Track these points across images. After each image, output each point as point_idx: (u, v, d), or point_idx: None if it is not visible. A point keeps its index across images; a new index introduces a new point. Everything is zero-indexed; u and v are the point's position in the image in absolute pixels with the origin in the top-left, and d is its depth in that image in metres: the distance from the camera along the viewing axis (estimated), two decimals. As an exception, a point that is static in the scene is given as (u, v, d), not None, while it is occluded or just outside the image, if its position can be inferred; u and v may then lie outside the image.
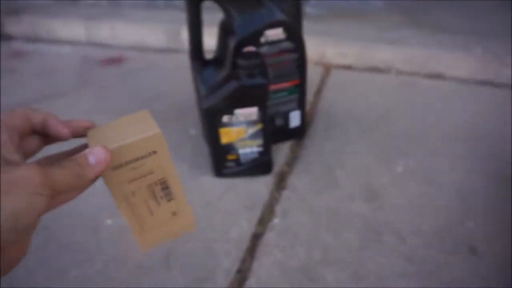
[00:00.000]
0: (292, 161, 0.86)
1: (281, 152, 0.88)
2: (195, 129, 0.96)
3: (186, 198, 0.37)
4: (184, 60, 1.38)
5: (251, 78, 0.66)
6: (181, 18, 1.48)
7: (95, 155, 0.27)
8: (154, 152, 0.34)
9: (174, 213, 0.38)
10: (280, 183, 0.80)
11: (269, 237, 0.69)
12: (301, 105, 0.85)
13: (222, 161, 0.77)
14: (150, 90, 1.16)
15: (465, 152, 0.85)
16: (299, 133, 0.91)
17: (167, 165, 0.35)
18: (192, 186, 0.80)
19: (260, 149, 0.76)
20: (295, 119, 0.87)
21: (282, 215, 0.73)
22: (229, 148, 0.75)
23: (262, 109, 0.70)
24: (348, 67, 1.23)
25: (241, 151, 0.76)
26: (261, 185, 0.79)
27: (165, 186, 0.36)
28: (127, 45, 1.46)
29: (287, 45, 0.74)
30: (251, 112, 0.70)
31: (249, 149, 0.76)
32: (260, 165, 0.79)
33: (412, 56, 1.16)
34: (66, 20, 1.52)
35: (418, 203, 0.74)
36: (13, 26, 1.60)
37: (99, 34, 1.49)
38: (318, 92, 1.11)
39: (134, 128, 0.33)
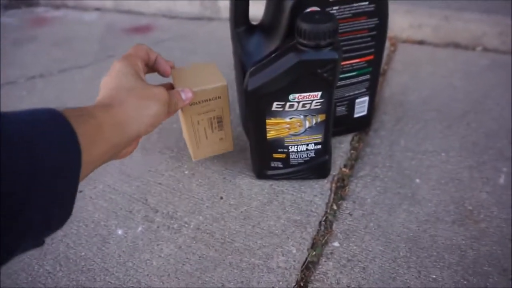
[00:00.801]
0: (353, 162, 0.66)
1: (339, 148, 0.68)
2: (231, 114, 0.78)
3: (232, 130, 0.59)
4: (220, 30, 1.19)
5: (317, 50, 0.46)
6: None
7: (185, 94, 0.44)
8: (219, 97, 0.54)
9: (221, 139, 0.59)
10: (339, 192, 0.62)
11: (327, 268, 0.51)
12: (371, 90, 0.65)
13: (267, 161, 0.59)
14: (179, 63, 0.98)
15: None
16: (363, 125, 0.71)
17: (225, 107, 0.55)
18: (226, 191, 0.62)
19: (318, 147, 0.57)
20: (361, 107, 0.67)
21: (344, 237, 0.55)
22: (277, 144, 0.57)
23: (328, 95, 0.50)
24: (420, 42, 0.99)
25: (292, 149, 0.57)
26: (315, 193, 0.61)
27: (220, 121, 0.57)
28: (156, 11, 1.29)
29: (365, 6, 0.54)
30: (313, 98, 0.50)
31: (304, 147, 0.57)
32: (315, 167, 0.60)
33: (508, 28, 0.91)
34: (91, -18, 1.36)
35: (534, 231, 0.53)
36: (37, -10, 1.47)
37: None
38: (384, 73, 0.89)
39: (207, 77, 0.54)
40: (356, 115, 0.67)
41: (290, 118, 0.53)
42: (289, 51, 0.48)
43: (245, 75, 0.54)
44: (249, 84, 0.51)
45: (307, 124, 0.54)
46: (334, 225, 0.57)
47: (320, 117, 0.53)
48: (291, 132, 0.55)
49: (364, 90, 0.64)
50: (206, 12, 1.21)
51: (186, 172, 0.66)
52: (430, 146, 0.68)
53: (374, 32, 0.57)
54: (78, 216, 0.61)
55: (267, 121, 0.53)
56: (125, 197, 0.63)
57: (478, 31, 0.93)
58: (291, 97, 0.50)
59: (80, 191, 0.65)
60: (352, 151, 0.69)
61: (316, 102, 0.51)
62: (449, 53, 0.94)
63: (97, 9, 1.39)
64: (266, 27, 0.57)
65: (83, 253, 0.55)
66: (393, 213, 0.57)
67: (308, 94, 0.50)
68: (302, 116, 0.53)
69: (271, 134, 0.55)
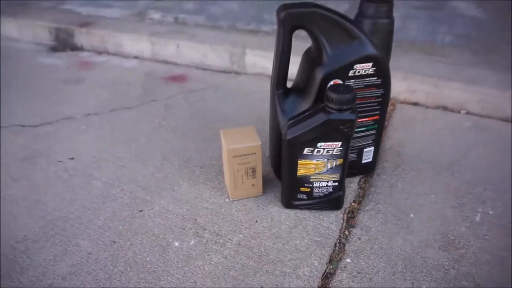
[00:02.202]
0: (361, 199, 0.83)
1: (350, 187, 0.85)
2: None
3: (261, 178, 0.79)
4: (246, 84, 1.40)
5: (340, 112, 0.64)
6: (244, 41, 1.51)
7: None
8: (254, 153, 0.74)
9: (253, 185, 0.79)
10: (350, 221, 0.77)
11: (342, 278, 0.66)
12: (376, 142, 0.83)
13: (294, 193, 0.75)
14: (213, 111, 1.17)
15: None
16: (368, 170, 0.88)
17: (258, 161, 0.76)
18: (260, 216, 0.78)
19: (336, 184, 0.74)
20: (368, 155, 0.84)
21: (354, 256, 0.70)
22: (304, 180, 0.73)
23: (346, 145, 0.68)
24: (414, 104, 1.19)
25: (316, 184, 0.74)
26: (331, 220, 0.77)
27: (253, 171, 0.77)
28: (189, 63, 1.50)
29: (374, 80, 0.73)
30: (334, 146, 0.68)
31: (325, 183, 0.73)
32: (331, 201, 0.76)
33: (486, 97, 1.11)
34: (133, 35, 1.58)
35: (502, 257, 0.69)
36: (83, 38, 1.69)
37: (163, 51, 1.53)
38: (384, 127, 1.07)
39: (246, 137, 0.75)
40: (363, 161, 0.85)
41: (317, 160, 0.70)
42: (320, 112, 0.66)
43: (281, 127, 0.71)
44: (288, 134, 0.68)
45: (329, 166, 0.71)
46: (347, 246, 0.72)
47: (339, 161, 0.70)
48: (316, 171, 0.72)
49: (371, 142, 0.82)
50: (234, 66, 1.42)
51: (227, 200, 0.82)
52: (422, 189, 0.85)
53: (380, 99, 0.76)
54: (140, 230, 0.76)
55: (298, 161, 0.70)
56: (178, 217, 0.78)
57: (462, 97, 1.13)
58: (318, 145, 0.68)
59: (141, 211, 0.80)
60: (359, 190, 0.85)
61: (337, 150, 0.69)
62: (439, 114, 1.14)
63: (136, 57, 1.60)
64: (299, 92, 0.76)
65: (147, 259, 0.70)
66: (393, 239, 0.73)
67: (331, 143, 0.68)
68: (325, 159, 0.70)
69: (300, 172, 0.72)
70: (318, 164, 0.71)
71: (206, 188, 0.86)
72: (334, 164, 0.71)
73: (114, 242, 0.73)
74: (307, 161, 0.70)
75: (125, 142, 1.03)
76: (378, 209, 0.80)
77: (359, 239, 0.73)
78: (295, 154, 0.70)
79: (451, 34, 1.48)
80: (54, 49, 1.74)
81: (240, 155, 0.75)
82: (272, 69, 0.75)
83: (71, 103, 1.24)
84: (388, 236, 0.74)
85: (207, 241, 0.73)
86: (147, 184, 0.88)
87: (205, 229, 0.75)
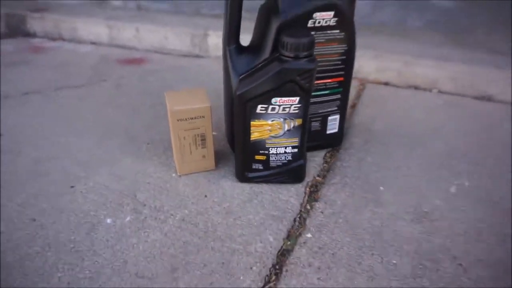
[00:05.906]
0: (326, 173, 0.74)
1: (313, 161, 0.76)
2: (216, 131, 0.86)
3: (213, 148, 0.68)
4: (209, 65, 1.31)
5: (296, 60, 0.56)
6: (207, 24, 1.43)
7: None
8: (203, 117, 0.64)
9: (203, 156, 0.68)
10: (313, 195, 0.68)
11: (300, 254, 0.56)
12: (342, 109, 0.75)
13: (249, 162, 0.66)
14: (171, 88, 1.07)
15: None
16: (335, 142, 0.80)
17: (208, 126, 0.65)
18: (210, 190, 0.68)
19: (295, 151, 0.65)
20: (333, 124, 0.76)
21: (316, 230, 0.61)
22: (259, 146, 0.64)
23: (305, 101, 0.59)
24: (385, 83, 1.13)
25: (272, 150, 0.64)
26: (291, 194, 0.67)
27: (203, 139, 0.66)
28: (150, 48, 1.40)
29: (336, 34, 0.65)
30: (291, 102, 0.59)
31: (282, 150, 0.64)
32: (291, 171, 0.67)
33: (458, 74, 1.06)
34: (89, 19, 1.47)
35: (478, 228, 0.61)
36: (36, 24, 1.56)
37: (122, 35, 1.43)
38: (353, 106, 1.00)
39: (195, 99, 0.65)
40: (328, 132, 0.76)
41: (272, 120, 0.61)
42: (273, 61, 0.58)
43: (234, 87, 0.62)
44: (238, 88, 0.59)
45: (286, 127, 0.62)
46: (308, 221, 0.62)
47: (297, 121, 0.62)
48: (272, 134, 0.63)
49: (336, 108, 0.74)
50: (195, 50, 1.33)
51: (174, 175, 0.72)
52: (394, 163, 0.77)
53: (344, 57, 0.68)
54: (68, 208, 0.64)
55: (251, 123, 0.61)
56: (115, 193, 0.67)
57: (432, 75, 1.08)
58: (273, 100, 0.59)
59: (72, 187, 0.69)
60: (324, 164, 0.77)
61: (294, 107, 0.60)
62: (410, 93, 1.08)
63: (93, 43, 1.49)
64: (254, 48, 0.67)
65: (72, 237, 0.58)
66: (360, 213, 0.64)
67: (288, 98, 0.59)
68: (282, 119, 0.61)
69: (254, 135, 0.63)
70: (274, 125, 0.61)
71: (151, 164, 0.75)
72: (292, 125, 0.62)
73: (34, 220, 0.62)
74: (261, 122, 0.61)
75: (65, 119, 0.91)
76: (345, 182, 0.71)
77: (322, 213, 0.64)
78: (248, 113, 0.60)
79: (421, 20, 1.45)
80: (4, 35, 1.61)
81: (186, 119, 0.65)
82: (223, 23, 0.67)
83: (12, 83, 1.12)
84: (355, 209, 0.65)
85: (145, 218, 0.62)
86: (83, 159, 0.76)
87: (144, 205, 0.65)
